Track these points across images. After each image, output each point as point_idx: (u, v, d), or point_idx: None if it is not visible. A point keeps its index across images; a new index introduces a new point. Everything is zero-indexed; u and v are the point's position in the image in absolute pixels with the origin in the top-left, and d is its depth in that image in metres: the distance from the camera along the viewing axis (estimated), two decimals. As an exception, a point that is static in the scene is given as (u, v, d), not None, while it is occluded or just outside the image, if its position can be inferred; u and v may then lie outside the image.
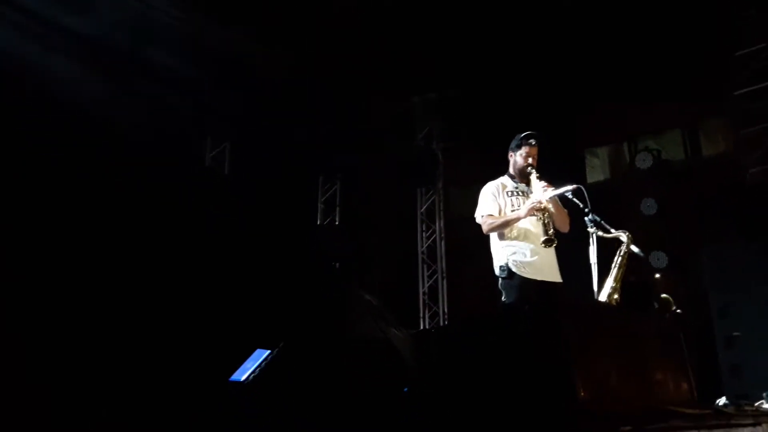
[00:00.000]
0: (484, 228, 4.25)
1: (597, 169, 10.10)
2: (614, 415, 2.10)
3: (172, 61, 7.25)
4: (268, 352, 2.24)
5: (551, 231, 4.01)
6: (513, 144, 4.36)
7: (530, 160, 4.24)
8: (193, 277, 2.67)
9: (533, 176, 4.17)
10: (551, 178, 4.27)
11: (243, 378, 2.18)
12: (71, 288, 2.43)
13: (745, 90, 7.86)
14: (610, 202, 8.08)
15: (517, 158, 4.32)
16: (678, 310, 6.64)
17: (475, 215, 4.34)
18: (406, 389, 2.78)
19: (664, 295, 6.54)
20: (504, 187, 4.34)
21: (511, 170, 4.39)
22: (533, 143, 4.27)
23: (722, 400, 5.44)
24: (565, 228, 4.25)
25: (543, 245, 3.99)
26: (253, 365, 2.18)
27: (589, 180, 9.57)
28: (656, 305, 6.40)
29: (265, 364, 2.18)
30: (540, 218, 4.05)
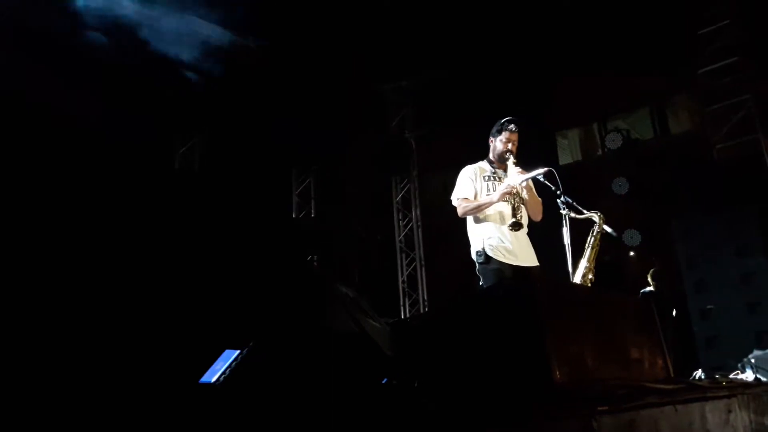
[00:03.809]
0: (459, 211, 4.25)
1: (568, 151, 10.18)
2: (590, 395, 2.11)
3: (133, 52, 7.06)
4: (237, 352, 2.21)
5: (520, 215, 4.00)
6: (494, 129, 4.34)
7: (510, 146, 4.23)
8: (163, 277, 2.62)
9: (510, 162, 4.17)
10: (525, 162, 4.27)
11: (213, 379, 2.15)
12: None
13: (710, 67, 7.96)
14: (582, 184, 8.18)
15: (497, 143, 4.30)
16: (650, 288, 6.77)
17: (451, 197, 4.32)
18: (384, 380, 2.77)
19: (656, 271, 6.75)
20: (482, 171, 4.33)
21: (490, 155, 4.37)
22: (513, 129, 4.25)
23: (699, 373, 5.54)
24: (537, 217, 4.25)
25: (510, 228, 3.99)
26: (223, 366, 2.15)
27: (561, 162, 9.64)
28: (653, 281, 6.61)
29: (236, 364, 2.14)
30: (510, 202, 4.06)
